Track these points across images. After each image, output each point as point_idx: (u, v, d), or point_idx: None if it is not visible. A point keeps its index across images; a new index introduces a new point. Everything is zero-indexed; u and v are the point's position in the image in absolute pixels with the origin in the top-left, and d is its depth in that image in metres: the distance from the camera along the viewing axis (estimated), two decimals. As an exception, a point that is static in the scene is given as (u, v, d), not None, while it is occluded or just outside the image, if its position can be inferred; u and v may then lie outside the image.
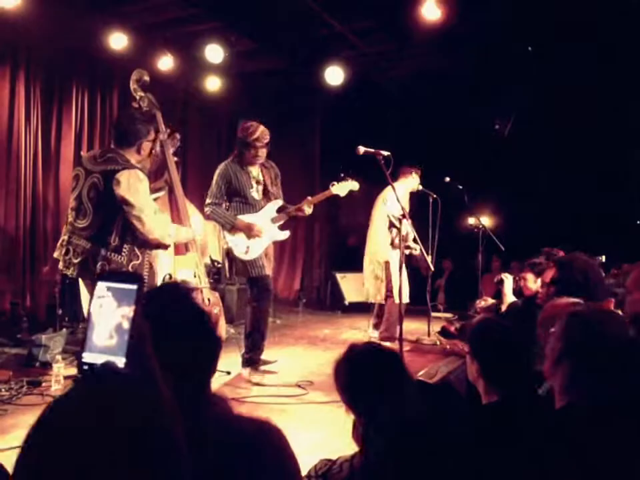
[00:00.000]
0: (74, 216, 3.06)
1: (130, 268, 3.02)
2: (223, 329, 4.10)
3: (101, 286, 0.92)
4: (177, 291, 1.39)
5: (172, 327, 1.25)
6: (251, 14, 5.79)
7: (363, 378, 1.49)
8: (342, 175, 4.65)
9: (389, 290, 5.39)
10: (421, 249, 5.31)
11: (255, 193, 4.32)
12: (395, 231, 5.38)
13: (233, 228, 4.24)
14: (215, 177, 4.27)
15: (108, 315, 0.90)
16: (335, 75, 6.75)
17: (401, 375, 1.51)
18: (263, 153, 4.24)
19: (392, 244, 5.47)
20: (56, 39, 5.53)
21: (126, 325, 0.89)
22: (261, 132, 4.19)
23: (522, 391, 1.76)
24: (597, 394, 1.44)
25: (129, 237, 3.02)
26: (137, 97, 3.62)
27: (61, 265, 3.09)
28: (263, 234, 4.27)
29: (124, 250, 3.01)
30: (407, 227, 4.91)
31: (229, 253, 4.29)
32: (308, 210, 4.40)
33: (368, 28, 6.34)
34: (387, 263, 5.44)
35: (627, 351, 1.50)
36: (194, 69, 6.85)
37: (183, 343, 1.24)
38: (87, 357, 0.89)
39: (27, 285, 5.60)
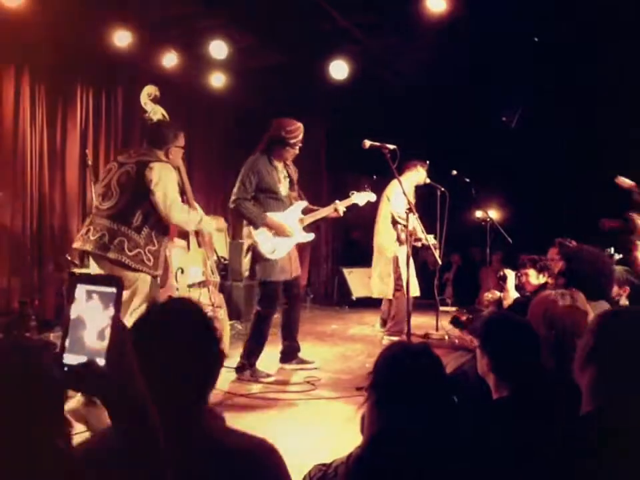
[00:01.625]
0: (100, 201, 3.20)
1: (146, 251, 3.12)
2: (226, 343, 4.10)
3: (81, 289, 0.90)
4: (187, 305, 1.37)
5: (177, 339, 1.23)
6: (254, 9, 5.76)
7: (406, 379, 1.44)
8: (365, 186, 4.67)
9: (399, 285, 5.36)
10: (426, 239, 5.25)
11: (283, 189, 4.25)
12: (400, 227, 5.35)
13: (262, 225, 4.12)
14: (243, 171, 4.13)
15: (95, 318, 0.89)
16: (339, 70, 6.71)
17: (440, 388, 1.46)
18: (295, 153, 4.22)
19: (398, 240, 5.45)
20: (60, 37, 5.53)
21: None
22: (302, 133, 4.16)
23: (533, 385, 1.74)
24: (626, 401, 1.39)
25: (150, 221, 3.16)
26: (148, 110, 3.77)
27: (78, 244, 3.16)
28: (292, 234, 4.20)
29: (143, 231, 3.13)
30: (414, 221, 4.88)
31: (252, 250, 4.14)
32: (341, 210, 4.40)
33: (372, 22, 6.30)
34: (395, 258, 5.41)
35: None
36: (199, 66, 6.83)
37: (186, 357, 1.22)
38: (69, 359, 0.88)
39: (34, 284, 5.61)
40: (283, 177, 4.25)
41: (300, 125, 4.16)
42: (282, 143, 4.12)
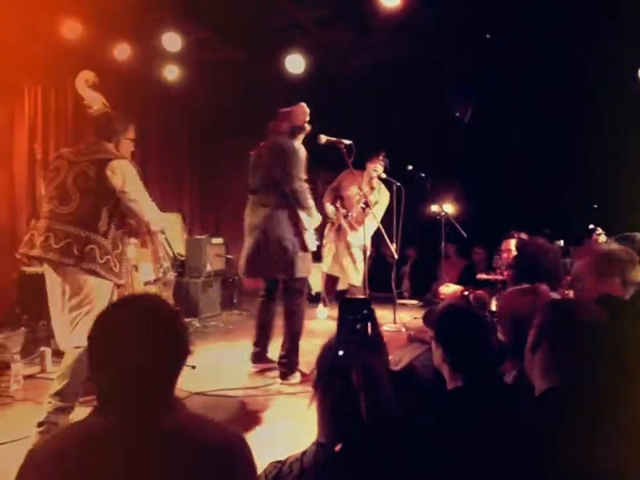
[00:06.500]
0: (55, 204, 2.99)
1: (114, 257, 3.01)
2: None
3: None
4: (155, 300, 1.39)
5: (147, 333, 1.25)
6: (209, 1, 5.68)
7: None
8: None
9: None
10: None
11: None
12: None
13: (311, 215, 4.11)
14: (295, 156, 4.00)
15: None
16: (295, 64, 6.71)
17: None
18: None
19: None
20: (7, 29, 5.32)
21: None
22: None
23: (486, 376, 1.78)
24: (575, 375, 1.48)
25: (115, 224, 3.04)
26: (86, 97, 3.56)
27: (37, 252, 2.94)
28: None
29: (109, 235, 3.02)
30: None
31: (298, 245, 4.02)
32: None
33: (327, 16, 6.30)
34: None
35: (599, 334, 1.53)
36: (152, 58, 6.70)
37: (156, 351, 1.24)
38: None
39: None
40: None
41: None
42: (301, 130, 4.13)
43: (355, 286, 5.88)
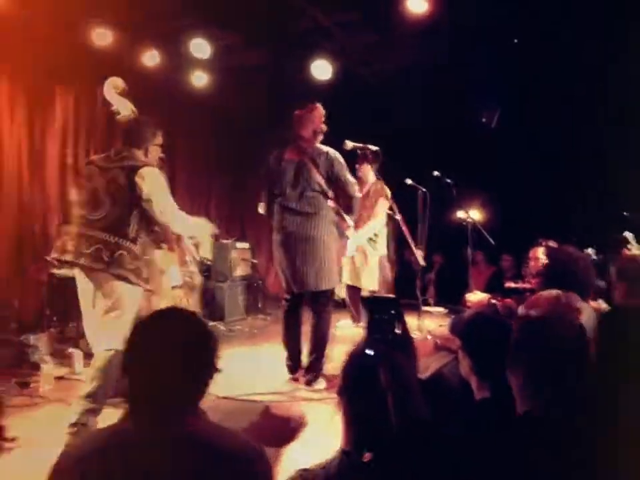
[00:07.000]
0: (87, 210, 3.05)
1: (143, 263, 3.04)
2: None
3: None
4: (188, 314, 1.44)
5: (184, 348, 1.31)
6: (236, 8, 5.74)
7: None
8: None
9: None
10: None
11: None
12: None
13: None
14: (343, 164, 4.07)
15: None
16: (322, 69, 6.72)
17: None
18: None
19: None
20: (40, 36, 5.45)
21: None
22: None
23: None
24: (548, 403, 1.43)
25: (145, 230, 3.08)
26: (114, 104, 3.54)
27: (69, 257, 2.99)
28: None
29: (139, 241, 3.05)
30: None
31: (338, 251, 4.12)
32: None
33: (352, 21, 6.31)
34: None
35: (573, 359, 1.46)
36: (180, 64, 6.79)
37: (186, 364, 1.29)
38: None
39: (14, 286, 5.53)
40: None
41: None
42: (322, 132, 4.13)
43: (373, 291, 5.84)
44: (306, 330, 4.23)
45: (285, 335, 4.22)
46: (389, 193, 5.54)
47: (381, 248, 5.67)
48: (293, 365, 4.18)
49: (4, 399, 3.49)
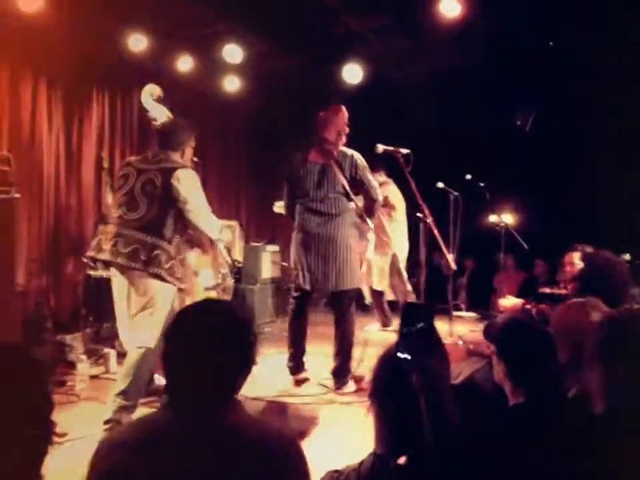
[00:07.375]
0: (124, 210, 3.10)
1: (177, 262, 3.10)
2: None
3: None
4: (227, 307, 1.47)
5: (224, 339, 1.32)
6: (267, 13, 5.78)
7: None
8: None
9: None
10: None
11: None
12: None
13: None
14: (367, 167, 4.11)
15: None
16: (353, 73, 6.72)
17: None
18: None
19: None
20: (76, 42, 5.58)
21: None
22: None
23: (549, 392, 1.73)
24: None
25: (179, 230, 3.14)
26: (149, 110, 3.64)
27: (106, 256, 3.05)
28: None
29: (174, 241, 3.11)
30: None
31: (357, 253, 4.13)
32: None
33: (385, 26, 6.30)
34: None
35: None
36: (213, 69, 6.87)
37: (226, 357, 1.30)
38: None
39: (50, 285, 5.66)
40: None
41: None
42: (345, 134, 4.13)
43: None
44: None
45: (291, 334, 4.20)
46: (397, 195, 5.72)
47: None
48: (295, 365, 4.18)
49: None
